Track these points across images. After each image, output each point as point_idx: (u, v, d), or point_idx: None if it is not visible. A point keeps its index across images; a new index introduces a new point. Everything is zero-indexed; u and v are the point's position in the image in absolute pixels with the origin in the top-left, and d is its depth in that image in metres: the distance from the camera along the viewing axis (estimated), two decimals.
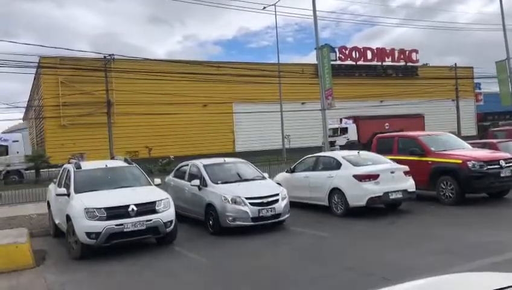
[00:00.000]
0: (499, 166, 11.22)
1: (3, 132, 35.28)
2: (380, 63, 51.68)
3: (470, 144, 13.60)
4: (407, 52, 52.73)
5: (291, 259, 7.64)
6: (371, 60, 51.06)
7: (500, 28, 27.49)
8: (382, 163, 11.36)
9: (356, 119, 41.48)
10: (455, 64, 48.21)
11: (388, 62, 52.06)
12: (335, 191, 11.02)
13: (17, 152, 28.98)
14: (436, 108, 50.37)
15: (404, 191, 10.74)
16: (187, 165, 11.77)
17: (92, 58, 35.66)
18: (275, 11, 36.12)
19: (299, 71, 39.88)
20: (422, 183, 11.66)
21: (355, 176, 10.62)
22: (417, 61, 53.45)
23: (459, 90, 46.52)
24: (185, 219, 10.76)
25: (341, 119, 40.78)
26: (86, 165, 10.40)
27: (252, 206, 9.48)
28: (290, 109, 39.57)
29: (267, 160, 21.37)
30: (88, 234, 8.05)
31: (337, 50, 48.08)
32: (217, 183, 10.19)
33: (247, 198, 9.55)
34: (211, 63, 40.91)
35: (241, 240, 9.12)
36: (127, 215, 8.19)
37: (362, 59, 50.42)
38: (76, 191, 8.87)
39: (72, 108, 37.83)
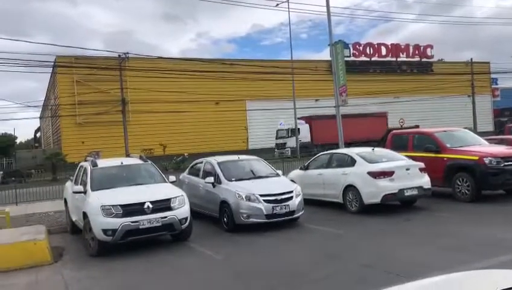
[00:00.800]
0: None
1: None
2: (394, 59, 51.26)
3: (487, 140, 13.43)
4: (422, 47, 52.22)
5: (306, 256, 7.63)
6: (385, 56, 50.68)
7: None
8: (397, 160, 11.28)
9: (309, 119, 39.64)
10: (471, 59, 47.56)
11: (403, 58, 51.62)
12: (349, 188, 10.98)
13: None
14: (452, 104, 49.80)
15: (420, 188, 10.66)
16: (201, 162, 11.84)
17: (106, 57, 36.01)
18: (288, 8, 35.99)
19: (312, 68, 39.73)
20: (438, 180, 11.56)
21: (369, 173, 10.57)
22: (432, 56, 52.90)
23: (475, 85, 45.90)
24: (199, 215, 10.82)
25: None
26: (102, 162, 10.53)
27: (266, 203, 9.50)
28: (303, 106, 39.45)
29: (281, 157, 21.37)
30: (104, 231, 8.14)
31: (351, 46, 47.79)
32: (231, 181, 10.23)
33: (261, 195, 9.56)
34: (224, 61, 41.00)
35: (255, 237, 9.15)
36: (142, 212, 8.27)
37: (376, 55, 50.09)
38: (93, 189, 8.98)
39: (88, 106, 38.28)
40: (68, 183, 11.52)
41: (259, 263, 7.35)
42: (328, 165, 12.17)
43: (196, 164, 12.32)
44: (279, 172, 11.26)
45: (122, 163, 10.35)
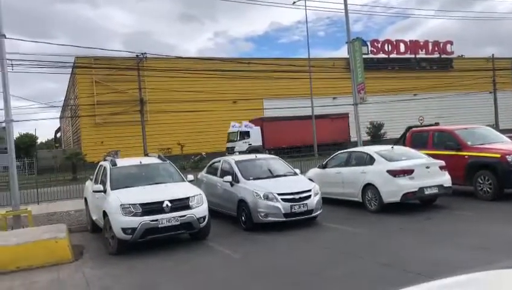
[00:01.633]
0: None
1: None
2: (413, 56, 50.57)
3: (509, 137, 13.16)
4: (441, 44, 51.40)
5: (325, 255, 7.59)
6: (404, 53, 50.04)
7: None
8: (417, 158, 11.13)
9: (261, 121, 37.78)
10: (492, 55, 46.72)
11: (422, 55, 50.90)
12: (368, 187, 10.88)
13: None
14: (473, 101, 48.95)
15: (440, 186, 10.51)
16: (219, 161, 11.87)
17: (124, 58, 36.40)
18: (305, 5, 35.94)
19: (330, 65, 39.51)
20: (458, 178, 11.39)
21: (389, 171, 10.45)
22: (452, 53, 52.02)
23: (497, 82, 45.06)
24: (218, 214, 10.85)
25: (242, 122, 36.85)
26: (121, 162, 10.63)
27: (284, 202, 9.47)
28: (321, 104, 39.23)
29: (298, 156, 21.30)
30: (124, 230, 8.22)
31: (369, 43, 47.34)
32: (249, 180, 10.23)
33: (279, 194, 9.54)
34: (241, 60, 41.05)
35: (273, 236, 9.13)
36: (161, 211, 8.33)
37: (395, 52, 49.50)
38: (112, 188, 9.08)
39: (106, 106, 38.73)
40: (88, 183, 11.68)
41: (277, 262, 7.33)
42: (346, 163, 12.08)
43: (214, 163, 12.36)
44: (297, 171, 11.21)
45: (141, 162, 10.44)
